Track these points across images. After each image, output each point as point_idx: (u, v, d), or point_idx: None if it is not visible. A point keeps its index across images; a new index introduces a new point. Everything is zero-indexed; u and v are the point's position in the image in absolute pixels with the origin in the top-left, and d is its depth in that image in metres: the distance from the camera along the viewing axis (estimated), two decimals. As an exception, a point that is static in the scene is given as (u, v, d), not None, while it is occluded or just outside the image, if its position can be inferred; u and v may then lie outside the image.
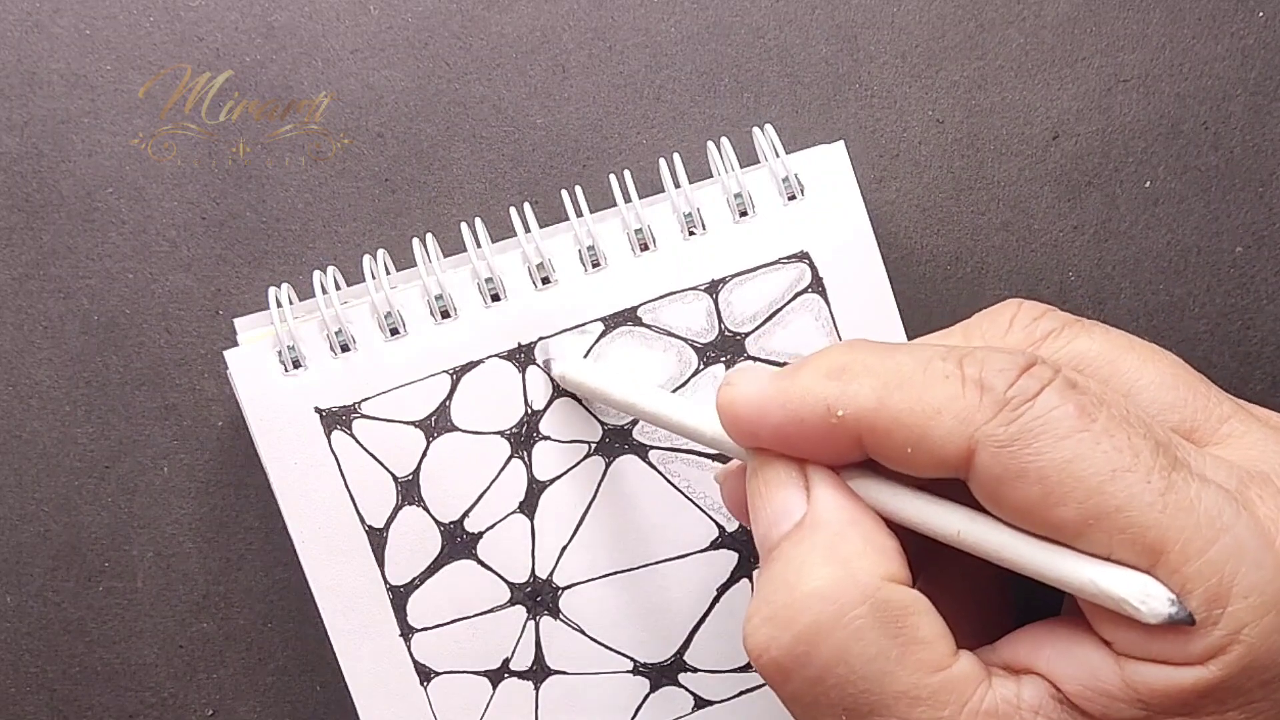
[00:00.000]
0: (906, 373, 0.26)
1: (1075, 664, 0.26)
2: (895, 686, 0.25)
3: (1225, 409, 0.28)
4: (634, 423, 0.36)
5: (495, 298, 0.35)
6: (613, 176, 0.36)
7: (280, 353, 0.35)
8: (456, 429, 0.35)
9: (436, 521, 0.35)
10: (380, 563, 0.35)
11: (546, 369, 0.35)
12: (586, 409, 0.35)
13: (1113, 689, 0.25)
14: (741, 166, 0.36)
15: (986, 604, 0.31)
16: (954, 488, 0.26)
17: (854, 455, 0.27)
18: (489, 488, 0.35)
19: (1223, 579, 0.24)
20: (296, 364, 0.35)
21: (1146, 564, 0.24)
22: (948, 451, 0.25)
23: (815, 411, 0.27)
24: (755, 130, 0.36)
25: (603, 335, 0.35)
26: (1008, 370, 0.25)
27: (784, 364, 0.36)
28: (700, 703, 0.36)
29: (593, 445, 0.35)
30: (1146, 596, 0.24)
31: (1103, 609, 0.25)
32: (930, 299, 0.38)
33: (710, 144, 0.36)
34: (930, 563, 0.29)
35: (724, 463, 0.36)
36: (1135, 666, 0.25)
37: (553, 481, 0.35)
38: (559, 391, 0.35)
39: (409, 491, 0.35)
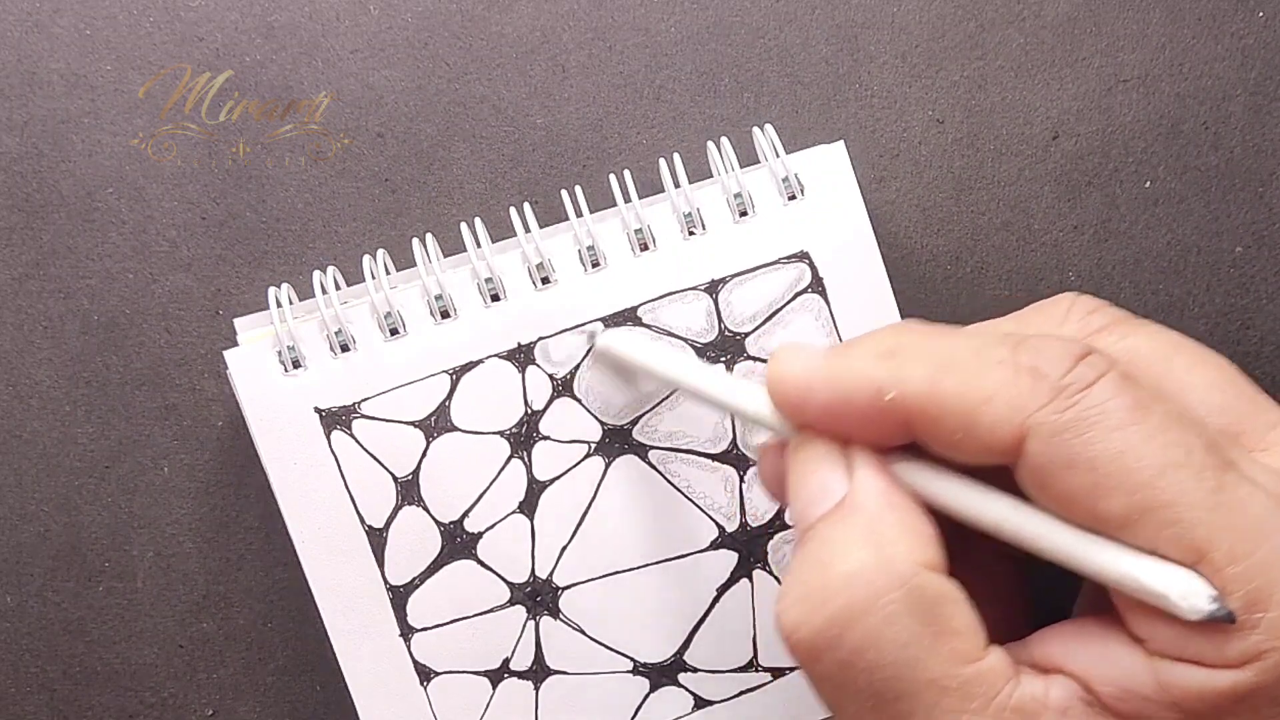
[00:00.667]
0: (959, 357, 0.26)
1: (1108, 664, 0.25)
2: (925, 675, 0.25)
3: (1273, 416, 0.28)
4: (634, 423, 0.36)
5: (495, 298, 0.35)
6: (613, 176, 0.36)
7: (280, 353, 0.35)
8: (456, 429, 0.35)
9: (436, 521, 0.35)
10: (380, 563, 0.35)
11: (590, 340, 0.35)
12: (585, 409, 0.35)
13: (1146, 690, 0.25)
14: (741, 166, 0.36)
15: (1007, 603, 0.30)
16: (994, 478, 0.26)
17: (900, 438, 0.27)
18: (489, 488, 0.35)
19: (1265, 583, 0.24)
20: (296, 364, 0.35)
21: (1190, 562, 0.24)
22: (997, 437, 0.25)
23: (865, 392, 0.26)
24: (755, 130, 0.36)
25: (603, 335, 0.35)
26: (1063, 358, 0.25)
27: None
28: (700, 703, 0.36)
29: (593, 445, 0.35)
30: (1187, 592, 0.24)
31: (1138, 605, 0.25)
32: (930, 299, 0.38)
33: (710, 144, 0.36)
34: (954, 558, 0.29)
35: (725, 461, 0.36)
36: (1170, 667, 0.25)
37: (553, 481, 0.35)
38: (559, 391, 0.35)
39: (409, 491, 0.35)
